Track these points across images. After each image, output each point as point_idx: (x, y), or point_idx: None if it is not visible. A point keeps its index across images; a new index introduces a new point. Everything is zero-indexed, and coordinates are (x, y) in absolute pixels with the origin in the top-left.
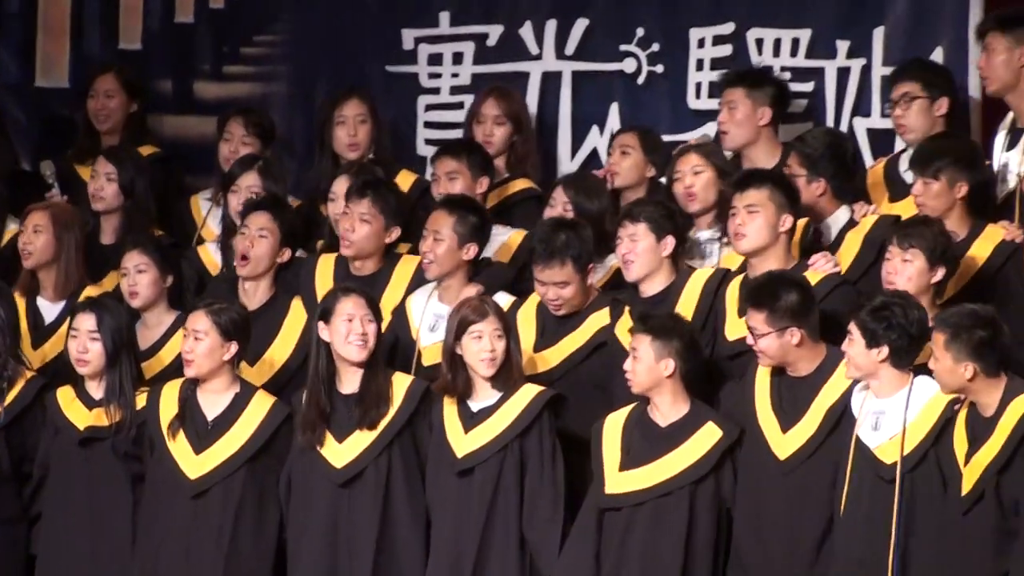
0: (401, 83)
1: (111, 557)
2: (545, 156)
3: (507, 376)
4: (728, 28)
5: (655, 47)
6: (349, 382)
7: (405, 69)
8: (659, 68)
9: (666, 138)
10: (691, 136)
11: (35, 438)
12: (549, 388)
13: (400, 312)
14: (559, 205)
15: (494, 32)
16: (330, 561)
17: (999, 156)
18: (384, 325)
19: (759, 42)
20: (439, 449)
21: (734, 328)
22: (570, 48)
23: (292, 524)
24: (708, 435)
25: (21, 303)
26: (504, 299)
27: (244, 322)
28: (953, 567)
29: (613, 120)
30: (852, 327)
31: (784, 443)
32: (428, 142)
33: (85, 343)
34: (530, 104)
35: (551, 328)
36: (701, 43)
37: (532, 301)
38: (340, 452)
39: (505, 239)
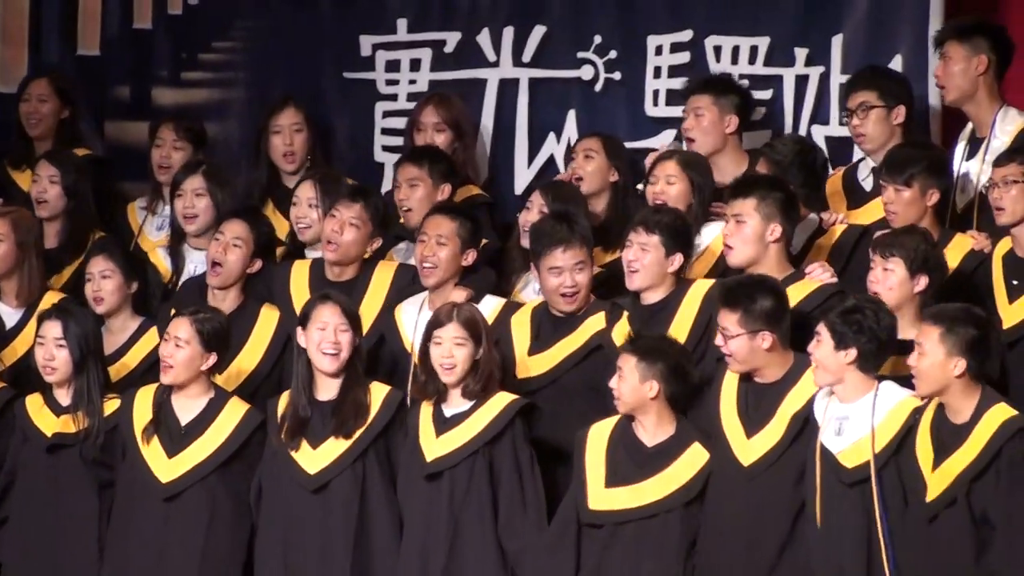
0: (359, 89)
1: (77, 564)
2: (502, 163)
3: (479, 383)
4: (686, 35)
5: (612, 54)
6: (325, 389)
7: (363, 76)
8: (617, 75)
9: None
10: (650, 144)
11: (3, 446)
12: (523, 397)
13: (389, 322)
14: (535, 208)
15: (452, 39)
16: (300, 567)
17: (959, 166)
18: (364, 330)
19: (717, 49)
20: (411, 453)
21: None
22: (527, 55)
23: (262, 529)
24: (695, 457)
25: None
26: (492, 302)
27: (226, 333)
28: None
29: (570, 127)
30: (821, 328)
31: (748, 449)
32: (385, 148)
33: (52, 350)
34: (487, 111)
35: (547, 332)
36: (659, 50)
37: (528, 307)
38: (314, 458)
39: None
